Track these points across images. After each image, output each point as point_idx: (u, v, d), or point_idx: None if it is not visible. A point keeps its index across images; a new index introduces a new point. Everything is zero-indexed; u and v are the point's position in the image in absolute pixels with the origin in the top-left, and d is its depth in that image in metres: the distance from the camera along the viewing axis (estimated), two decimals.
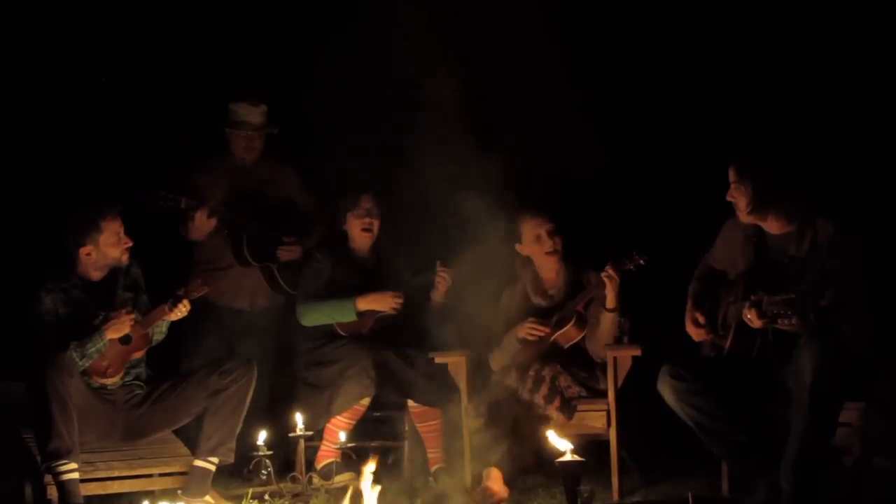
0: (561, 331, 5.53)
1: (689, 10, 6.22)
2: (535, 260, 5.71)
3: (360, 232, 5.94)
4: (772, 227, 4.80)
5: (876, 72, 5.95)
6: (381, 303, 5.83)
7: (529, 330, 5.56)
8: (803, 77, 6.08)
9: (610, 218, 6.21)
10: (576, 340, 5.54)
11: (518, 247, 5.71)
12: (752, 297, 4.55)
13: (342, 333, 5.81)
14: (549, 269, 5.69)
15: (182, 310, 5.26)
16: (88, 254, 5.24)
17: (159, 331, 5.38)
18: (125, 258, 5.32)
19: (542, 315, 5.61)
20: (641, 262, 5.34)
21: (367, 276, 5.91)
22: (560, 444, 4.24)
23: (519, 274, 5.79)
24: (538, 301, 5.69)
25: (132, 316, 5.18)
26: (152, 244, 5.52)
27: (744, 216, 4.80)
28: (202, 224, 5.89)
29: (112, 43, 6.48)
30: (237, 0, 6.55)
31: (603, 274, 5.36)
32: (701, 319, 4.94)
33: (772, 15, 6.10)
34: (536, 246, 5.65)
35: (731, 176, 4.78)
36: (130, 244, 5.31)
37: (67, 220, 5.27)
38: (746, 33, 6.16)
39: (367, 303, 5.81)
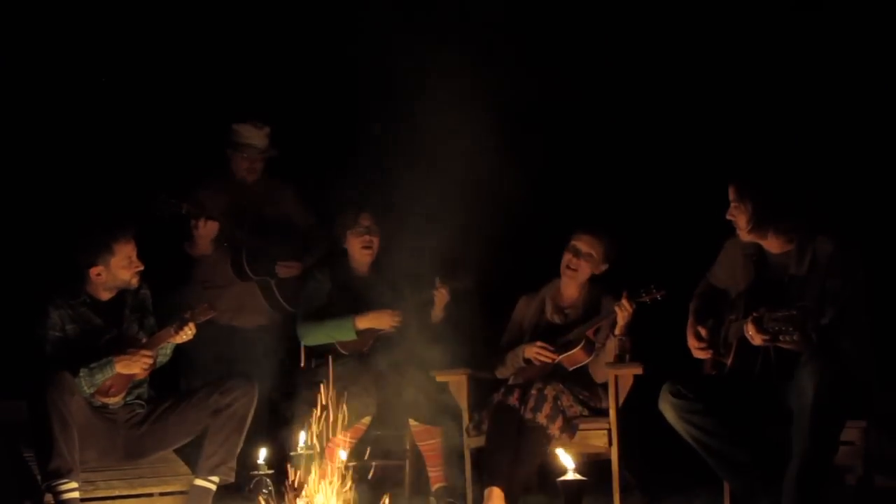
0: (567, 353, 5.53)
1: (687, 32, 6.23)
2: (562, 273, 5.72)
3: (360, 250, 5.94)
4: (772, 245, 4.80)
5: (875, 90, 5.95)
6: (380, 321, 5.83)
7: (537, 353, 5.57)
8: (803, 95, 6.07)
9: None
10: (581, 364, 5.55)
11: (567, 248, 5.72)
12: (754, 314, 4.55)
13: (343, 352, 5.81)
14: (570, 286, 5.71)
15: (188, 333, 5.25)
16: (98, 274, 5.24)
17: (164, 353, 5.38)
18: (135, 281, 5.32)
19: (553, 333, 5.63)
20: (658, 296, 5.35)
21: (367, 295, 5.90)
22: (568, 461, 4.24)
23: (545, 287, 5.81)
24: (552, 317, 5.71)
25: (148, 360, 5.19)
26: (155, 261, 5.51)
27: (744, 235, 4.80)
28: (204, 231, 5.88)
29: (119, 58, 6.48)
30: (239, 18, 6.55)
31: (616, 304, 5.37)
32: (703, 332, 4.93)
33: (769, 34, 6.10)
34: (569, 260, 5.67)
35: (731, 195, 4.78)
36: (141, 268, 5.31)
37: (80, 239, 5.27)
38: (745, 51, 6.15)
39: (366, 321, 5.82)
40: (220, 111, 6.24)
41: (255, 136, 6.10)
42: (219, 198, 6.07)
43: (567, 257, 5.66)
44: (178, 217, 5.84)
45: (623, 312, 5.36)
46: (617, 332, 5.41)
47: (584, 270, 5.65)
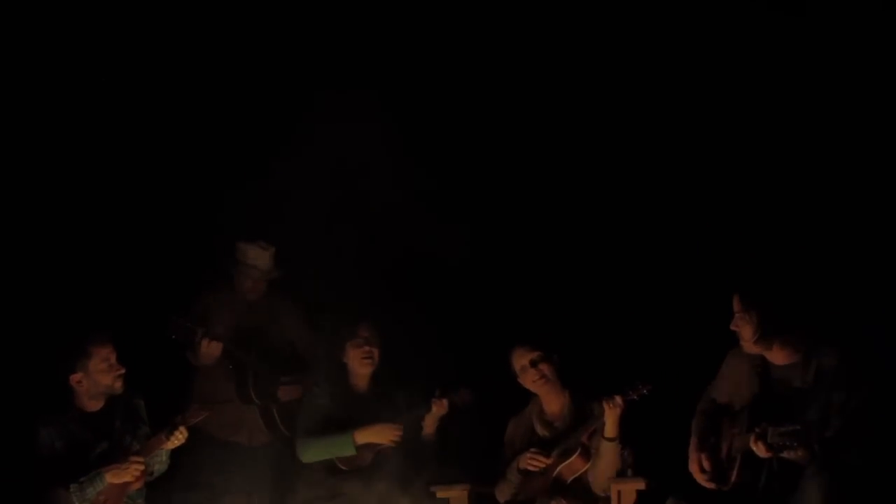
0: (566, 462, 5.48)
1: (691, 135, 6.27)
2: (535, 391, 5.69)
3: (360, 361, 5.89)
4: (777, 357, 4.80)
5: (879, 201, 5.99)
6: (379, 435, 5.76)
7: (530, 460, 5.52)
8: (806, 205, 6.09)
9: (612, 346, 6.18)
10: (580, 472, 5.49)
11: (519, 380, 5.71)
12: (757, 430, 4.54)
13: (343, 468, 5.74)
14: (550, 400, 5.67)
15: (179, 437, 5.17)
16: (80, 381, 5.19)
17: (159, 461, 5.29)
18: (118, 385, 5.25)
19: (546, 446, 5.57)
20: (645, 391, 5.32)
21: (367, 409, 5.85)
22: None
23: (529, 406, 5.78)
24: (543, 433, 5.66)
25: (141, 468, 5.11)
26: (152, 372, 5.47)
27: (749, 346, 4.80)
28: (207, 350, 5.82)
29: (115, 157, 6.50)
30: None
31: (606, 403, 5.34)
32: (706, 465, 4.89)
33: (771, 144, 6.14)
34: (525, 377, 5.64)
35: (736, 305, 4.80)
36: (122, 371, 5.25)
37: (58, 348, 5.24)
38: (747, 161, 6.18)
39: (365, 436, 5.75)
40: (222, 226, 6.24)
41: (260, 258, 6.08)
42: (224, 312, 6.05)
43: (537, 371, 5.60)
44: (192, 341, 5.81)
45: (613, 412, 5.31)
46: (608, 434, 5.35)
47: (552, 373, 5.61)
